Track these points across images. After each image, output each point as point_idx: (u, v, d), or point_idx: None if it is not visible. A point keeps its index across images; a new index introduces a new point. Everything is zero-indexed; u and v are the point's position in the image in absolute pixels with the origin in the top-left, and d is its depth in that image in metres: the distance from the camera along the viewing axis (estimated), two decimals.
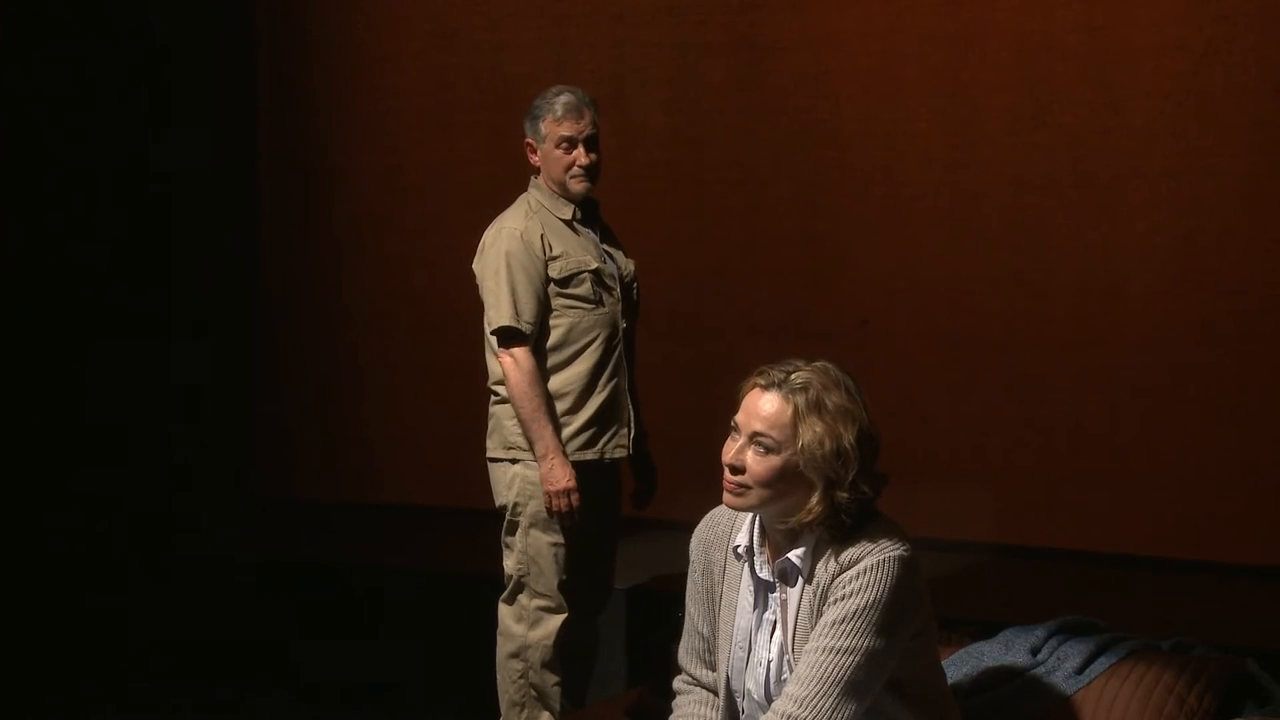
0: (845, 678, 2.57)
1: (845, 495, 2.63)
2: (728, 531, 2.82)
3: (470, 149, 6.35)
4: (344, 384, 6.78)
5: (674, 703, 2.91)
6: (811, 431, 2.62)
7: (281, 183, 6.96)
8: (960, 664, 3.17)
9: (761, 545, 2.75)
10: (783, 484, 2.64)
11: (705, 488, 5.81)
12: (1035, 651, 3.16)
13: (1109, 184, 5.30)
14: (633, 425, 4.32)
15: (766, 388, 2.69)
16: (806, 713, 2.57)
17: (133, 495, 6.64)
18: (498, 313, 4.13)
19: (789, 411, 2.64)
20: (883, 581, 2.59)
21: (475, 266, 4.25)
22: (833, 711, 2.57)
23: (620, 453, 4.31)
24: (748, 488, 2.66)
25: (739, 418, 2.70)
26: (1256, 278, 5.09)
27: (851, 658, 2.57)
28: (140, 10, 6.83)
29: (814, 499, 2.63)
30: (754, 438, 2.66)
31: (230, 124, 6.93)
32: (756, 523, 2.76)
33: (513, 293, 4.11)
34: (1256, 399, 5.09)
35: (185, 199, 6.89)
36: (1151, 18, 5.20)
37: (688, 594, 2.89)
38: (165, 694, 5.37)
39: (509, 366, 4.12)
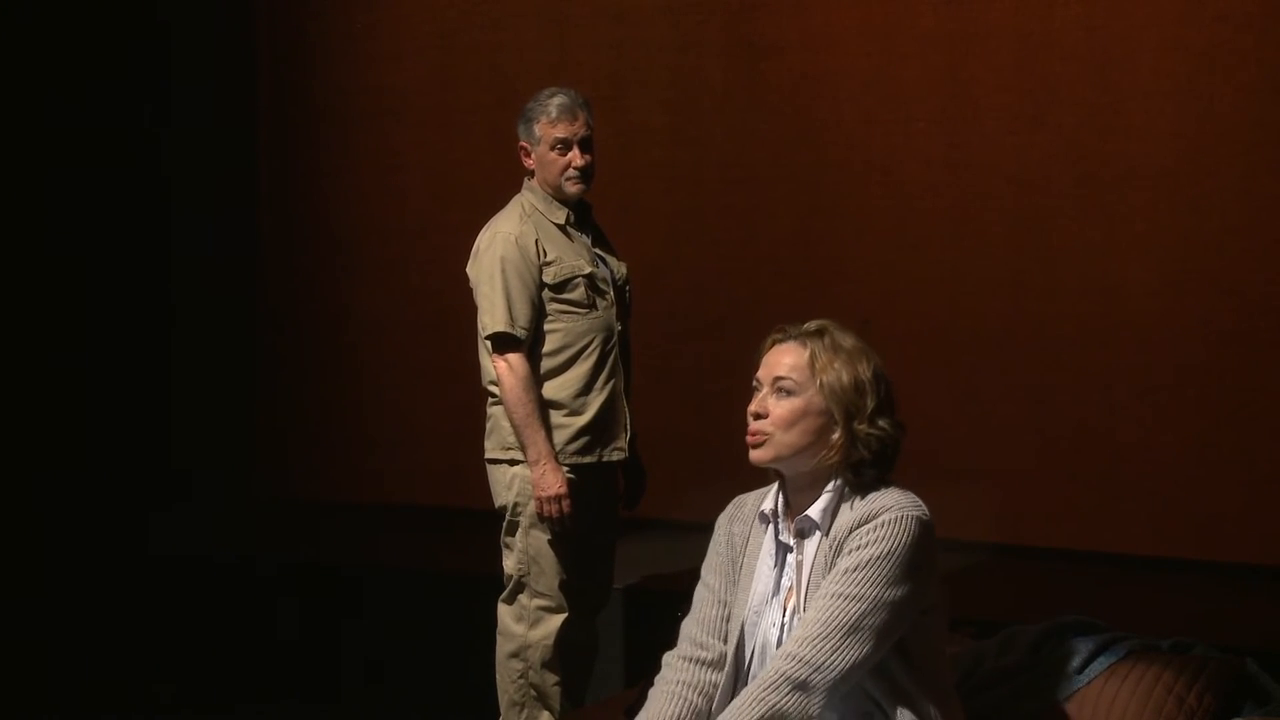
0: (850, 623, 2.59)
1: (865, 428, 2.69)
2: (753, 511, 2.87)
3: (470, 149, 6.35)
4: (344, 384, 6.78)
5: (663, 668, 2.88)
6: (830, 368, 2.71)
7: (281, 183, 6.96)
8: (960, 664, 3.17)
9: (785, 514, 2.80)
10: (805, 424, 2.70)
11: (704, 487, 5.80)
12: (1035, 651, 3.15)
13: (1109, 184, 5.30)
14: (629, 428, 4.32)
15: (783, 340, 2.78)
16: (807, 652, 2.60)
17: (132, 495, 6.63)
18: (492, 319, 4.13)
19: (807, 354, 2.73)
20: (899, 536, 2.64)
21: (470, 270, 4.25)
22: (833, 653, 2.59)
23: (618, 455, 4.30)
24: (769, 435, 2.72)
25: (760, 373, 2.77)
26: (1256, 277, 5.10)
27: (858, 605, 2.60)
28: (141, 10, 6.83)
29: (835, 434, 2.70)
30: (775, 383, 2.73)
31: (230, 123, 6.93)
32: (781, 494, 2.81)
33: (507, 298, 4.11)
34: (1256, 398, 5.10)
35: (185, 199, 6.89)
36: (1151, 18, 5.20)
37: (706, 567, 2.90)
38: (164, 694, 5.37)
39: (503, 372, 4.12)
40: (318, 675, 5.41)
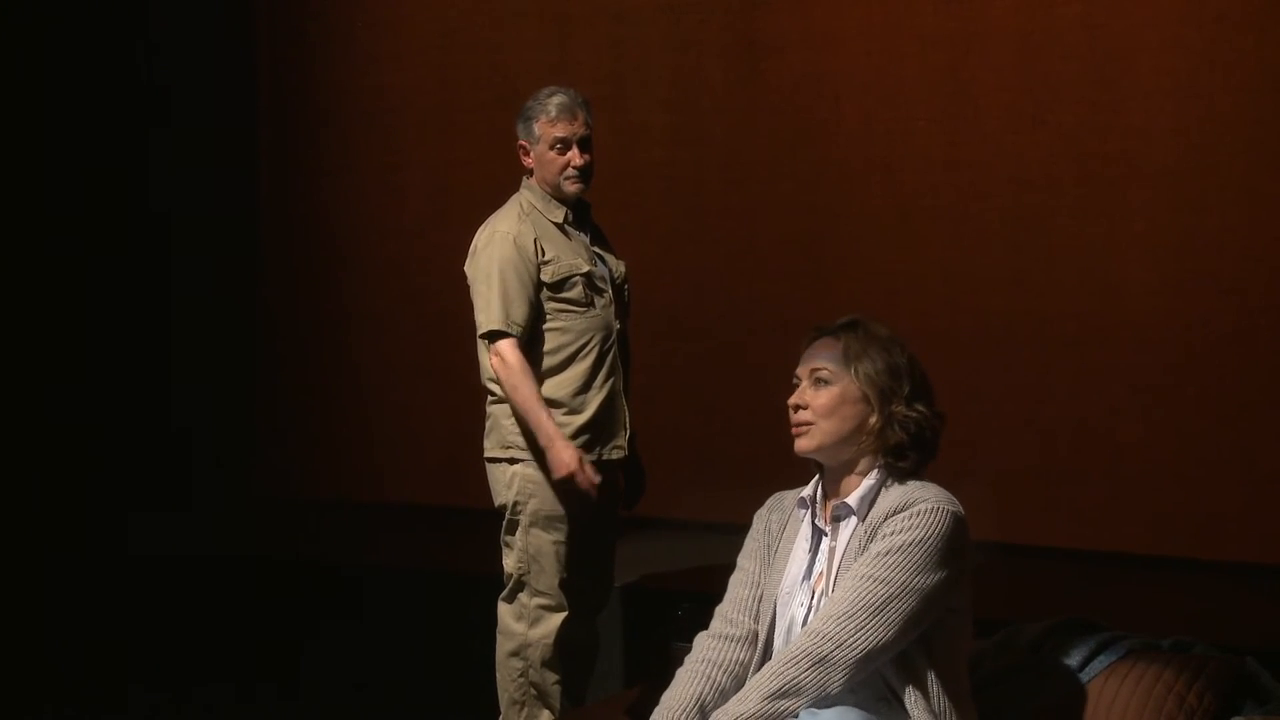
0: (876, 605, 2.64)
1: (902, 409, 2.77)
2: (792, 503, 2.92)
3: (470, 149, 6.35)
4: (344, 384, 6.78)
5: (693, 647, 2.89)
6: (865, 354, 2.80)
7: (281, 183, 6.96)
8: None
9: (823, 503, 2.86)
10: (844, 411, 2.78)
11: (704, 487, 5.81)
12: (1035, 651, 3.15)
13: (1109, 183, 5.30)
14: (628, 426, 4.32)
15: (818, 337, 2.86)
16: (831, 628, 2.64)
17: (132, 495, 6.63)
18: (488, 316, 4.13)
19: (840, 345, 2.82)
20: (934, 526, 2.69)
21: (467, 269, 4.24)
22: (856, 632, 2.63)
23: (618, 454, 4.30)
24: (811, 424, 2.79)
25: (798, 369, 2.84)
26: (1255, 276, 5.10)
27: (886, 588, 2.65)
28: (141, 10, 6.83)
29: (873, 419, 2.77)
30: (813, 374, 2.81)
31: (230, 124, 6.93)
32: (821, 485, 2.87)
33: (504, 297, 4.10)
34: (1256, 398, 5.10)
35: (185, 199, 6.89)
36: (1151, 17, 5.20)
37: (742, 555, 2.95)
38: (164, 694, 5.37)
39: (498, 365, 4.12)
40: (318, 675, 5.40)
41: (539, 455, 4.17)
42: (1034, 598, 4.86)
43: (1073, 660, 3.08)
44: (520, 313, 4.11)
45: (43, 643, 5.78)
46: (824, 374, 2.80)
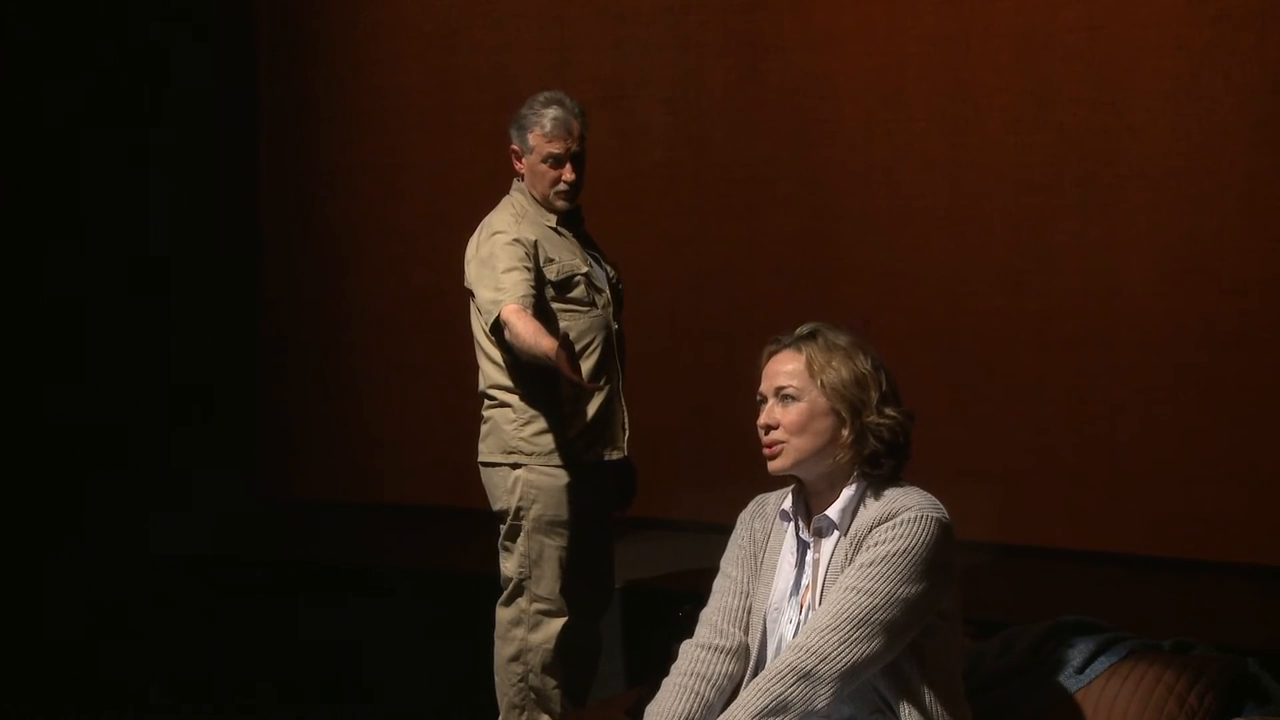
0: (860, 617, 2.60)
1: (874, 418, 2.72)
2: (775, 510, 2.89)
3: (470, 149, 6.35)
4: (344, 384, 6.78)
5: (679, 657, 2.86)
6: (829, 367, 2.73)
7: (281, 183, 6.96)
8: (961, 665, 3.16)
9: (805, 516, 2.82)
10: (815, 426, 2.73)
11: (702, 487, 5.82)
12: (1035, 651, 3.15)
13: (1110, 184, 5.30)
14: (627, 427, 4.31)
15: (778, 351, 2.80)
16: (815, 642, 2.60)
17: (133, 495, 6.63)
18: (492, 298, 4.02)
19: (803, 359, 2.76)
20: (918, 535, 2.65)
21: (467, 271, 4.20)
22: (840, 645, 2.60)
23: (617, 454, 4.29)
24: (783, 443, 2.74)
25: (761, 386, 2.79)
26: (1256, 277, 5.10)
27: (870, 599, 2.61)
28: (141, 10, 6.83)
29: (845, 431, 2.72)
30: (778, 392, 2.75)
31: (231, 124, 6.93)
32: (799, 498, 2.83)
33: (509, 278, 4.02)
34: (1256, 399, 5.10)
35: (186, 199, 6.89)
36: (1152, 18, 5.20)
37: (727, 560, 2.91)
38: (164, 694, 5.37)
39: (512, 327, 3.93)
40: (318, 675, 5.40)
41: (541, 459, 4.17)
42: (1034, 598, 4.86)
43: (1073, 662, 3.07)
44: (524, 290, 4.03)
45: (43, 643, 5.78)
46: (790, 390, 2.74)
